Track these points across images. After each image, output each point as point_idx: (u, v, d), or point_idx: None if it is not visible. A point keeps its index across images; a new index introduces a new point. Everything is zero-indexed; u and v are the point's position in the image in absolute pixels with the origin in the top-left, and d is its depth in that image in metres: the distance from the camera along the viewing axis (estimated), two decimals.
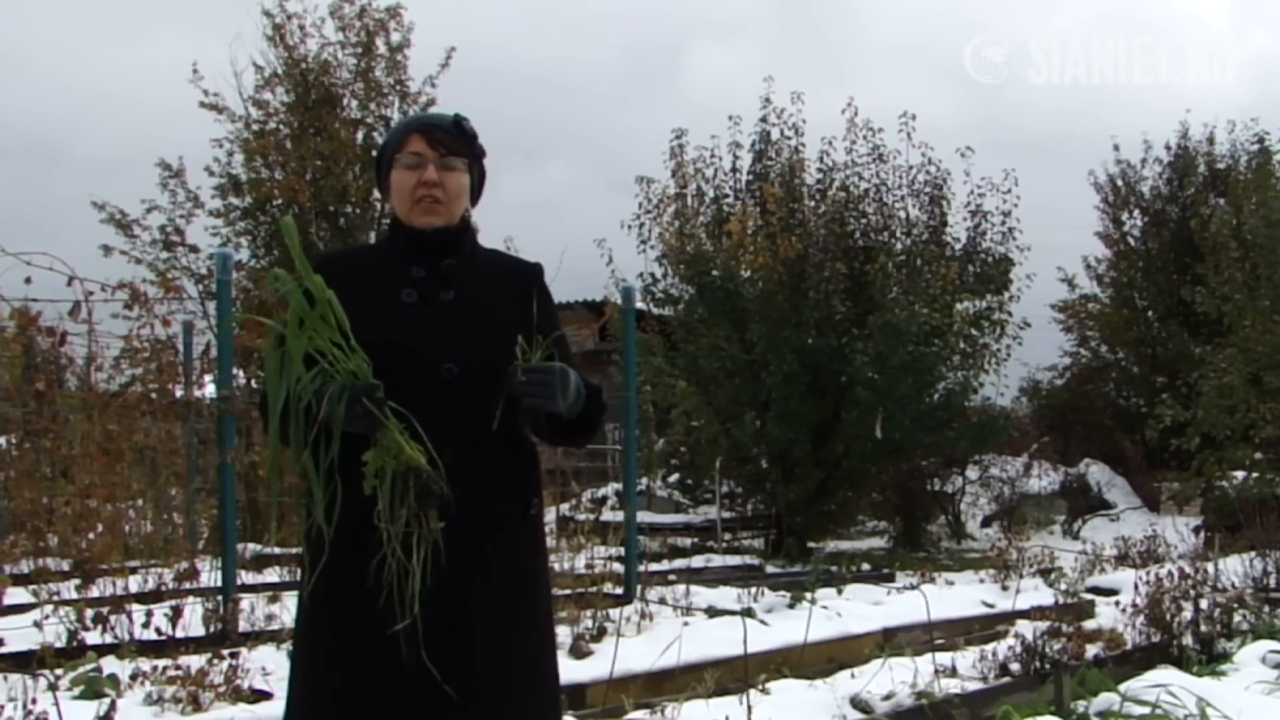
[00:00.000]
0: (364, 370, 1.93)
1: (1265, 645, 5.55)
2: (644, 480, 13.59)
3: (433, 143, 2.17)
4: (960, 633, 6.49)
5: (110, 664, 4.67)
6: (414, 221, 2.17)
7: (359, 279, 2.09)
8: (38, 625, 4.65)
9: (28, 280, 5.50)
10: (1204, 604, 6.03)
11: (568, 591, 6.13)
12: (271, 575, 7.29)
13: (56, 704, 3.66)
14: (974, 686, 4.96)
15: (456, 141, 2.19)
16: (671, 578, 7.95)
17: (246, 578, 5.76)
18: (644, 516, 10.49)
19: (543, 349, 2.05)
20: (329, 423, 1.88)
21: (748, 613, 6.05)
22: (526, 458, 2.16)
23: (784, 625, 6.00)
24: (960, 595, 7.82)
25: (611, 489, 13.24)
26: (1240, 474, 12.98)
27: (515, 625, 2.07)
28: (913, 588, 8.10)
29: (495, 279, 2.22)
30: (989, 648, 5.66)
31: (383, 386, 1.91)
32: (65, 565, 6.02)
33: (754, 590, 7.02)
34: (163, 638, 5.18)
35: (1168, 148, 18.75)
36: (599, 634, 5.54)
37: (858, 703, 4.72)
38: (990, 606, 7.40)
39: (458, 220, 2.20)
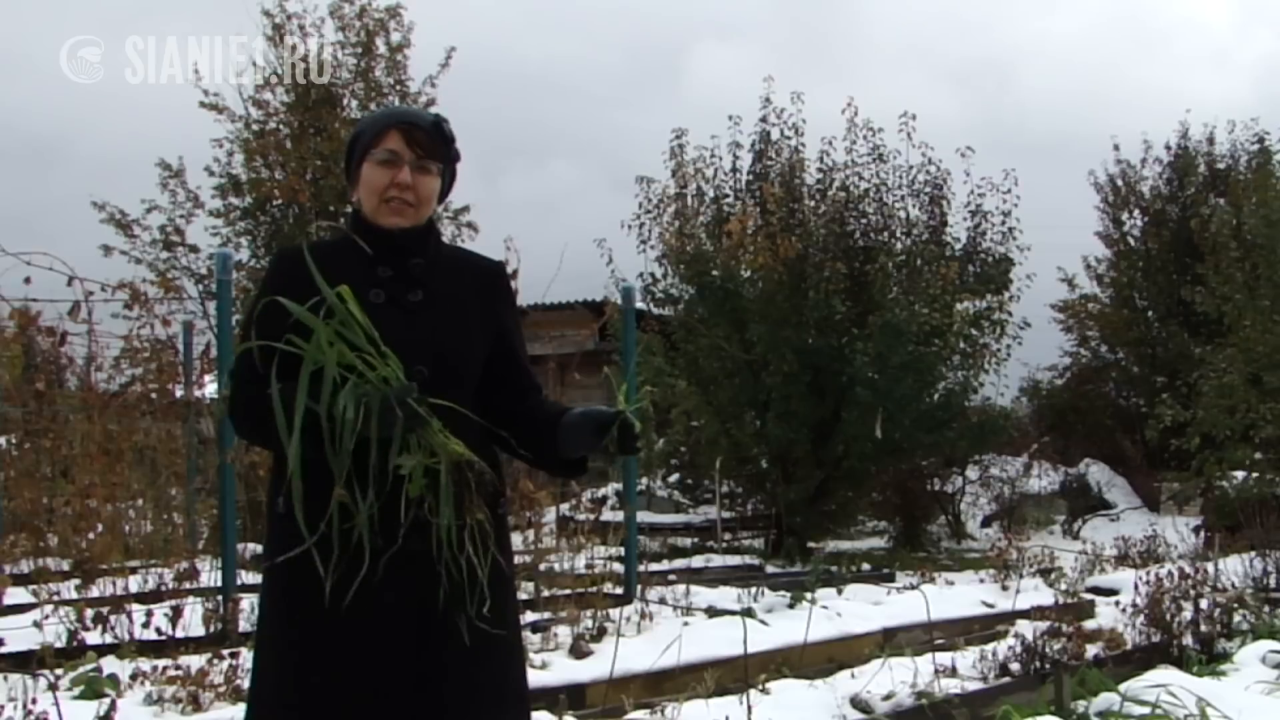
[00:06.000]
0: (396, 375, 1.89)
1: (1265, 645, 5.55)
2: (644, 480, 13.57)
3: (410, 143, 2.10)
4: (960, 633, 6.48)
5: (110, 664, 4.67)
6: (380, 220, 2.12)
7: (324, 278, 1.98)
8: (38, 625, 4.65)
9: (28, 280, 5.53)
10: (1204, 604, 6.03)
11: (568, 591, 6.13)
12: None
13: (56, 704, 3.66)
14: (974, 686, 4.96)
15: (434, 144, 2.12)
16: (671, 578, 7.94)
17: (246, 578, 5.75)
18: (644, 516, 10.49)
19: (625, 395, 2.02)
20: (382, 434, 1.86)
21: (748, 613, 6.04)
22: (493, 458, 2.16)
23: (784, 625, 5.99)
24: (960, 595, 7.81)
25: (611, 489, 13.21)
26: (1240, 474, 12.95)
27: (484, 626, 2.05)
28: (913, 588, 8.09)
29: (461, 278, 2.19)
30: (989, 648, 5.66)
31: (417, 386, 1.89)
32: (65, 565, 6.02)
33: (754, 590, 7.01)
34: (163, 638, 5.18)
35: (1168, 148, 18.76)
36: (599, 634, 5.54)
37: (858, 703, 4.72)
38: (990, 606, 7.40)
39: (424, 221, 2.16)
